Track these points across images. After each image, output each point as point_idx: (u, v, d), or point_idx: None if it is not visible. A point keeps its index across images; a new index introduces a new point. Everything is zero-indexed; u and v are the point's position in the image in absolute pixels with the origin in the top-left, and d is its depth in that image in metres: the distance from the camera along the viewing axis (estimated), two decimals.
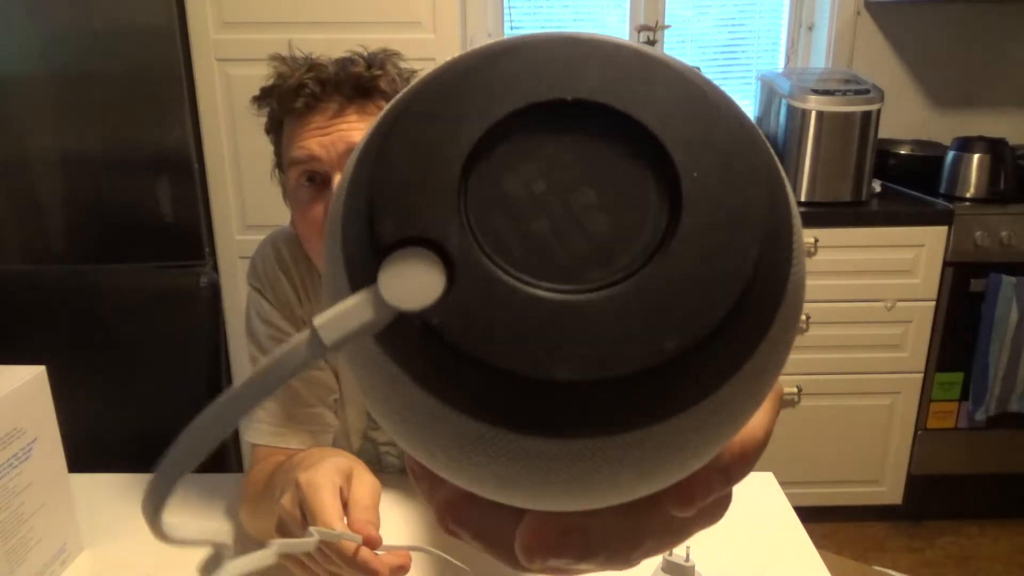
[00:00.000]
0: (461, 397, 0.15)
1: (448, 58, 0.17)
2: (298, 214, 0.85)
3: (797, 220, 0.16)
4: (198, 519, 0.86)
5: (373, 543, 0.57)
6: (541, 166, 0.15)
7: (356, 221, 0.16)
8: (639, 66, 0.16)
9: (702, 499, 0.20)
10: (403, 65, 0.85)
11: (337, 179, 0.78)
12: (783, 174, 0.16)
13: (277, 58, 0.83)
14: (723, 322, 0.14)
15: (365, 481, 0.63)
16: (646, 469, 0.16)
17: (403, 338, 0.15)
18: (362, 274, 0.15)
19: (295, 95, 0.79)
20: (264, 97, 0.84)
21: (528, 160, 0.15)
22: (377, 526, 0.59)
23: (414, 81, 0.17)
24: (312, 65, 0.80)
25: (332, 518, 0.57)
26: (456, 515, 0.21)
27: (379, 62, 0.82)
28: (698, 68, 0.15)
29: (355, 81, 0.80)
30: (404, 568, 0.59)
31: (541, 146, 0.15)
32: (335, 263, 0.16)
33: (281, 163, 0.87)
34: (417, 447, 0.16)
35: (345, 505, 0.60)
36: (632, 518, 0.20)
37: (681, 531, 0.22)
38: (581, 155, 0.15)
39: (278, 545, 0.23)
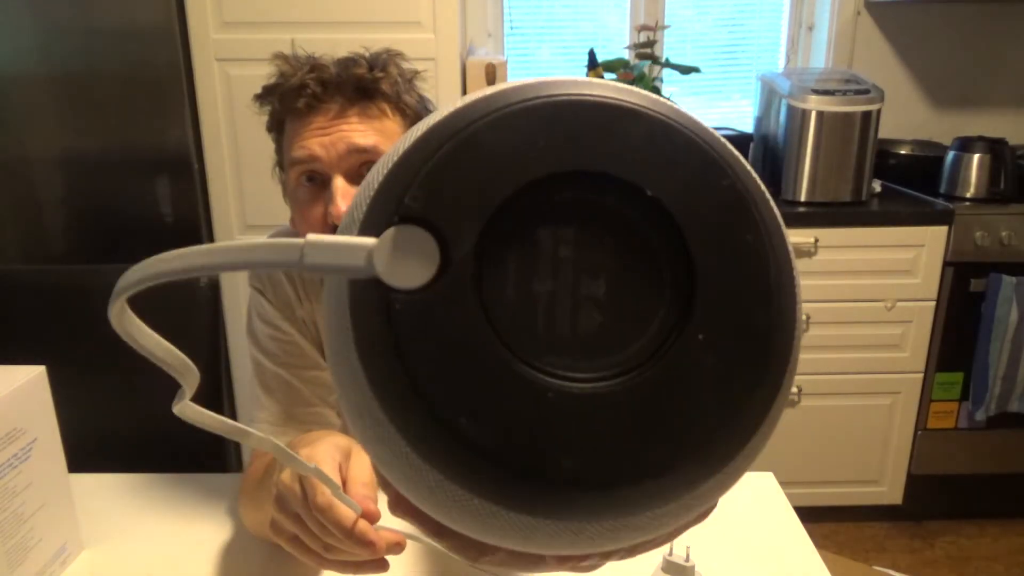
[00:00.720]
0: (437, 455, 0.15)
1: (510, 83, 0.17)
2: (297, 213, 0.85)
3: (799, 313, 0.17)
4: (199, 518, 0.86)
5: (372, 516, 0.57)
6: (576, 234, 0.15)
7: (394, 186, 0.16)
8: (687, 155, 0.16)
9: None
10: (405, 66, 0.85)
11: (337, 180, 0.78)
12: (788, 246, 0.16)
13: (280, 57, 0.83)
14: (708, 438, 0.14)
15: (364, 459, 0.63)
16: (611, 540, 0.16)
17: (366, 311, 0.15)
18: (371, 226, 0.15)
19: (297, 95, 0.79)
20: (266, 96, 0.84)
21: (569, 223, 0.15)
22: (375, 501, 0.59)
23: (487, 96, 0.17)
24: (314, 65, 0.80)
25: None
26: (404, 507, 0.23)
27: (381, 63, 0.82)
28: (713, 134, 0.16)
29: (357, 83, 0.80)
30: (400, 546, 0.59)
31: (583, 213, 0.15)
32: (358, 207, 0.17)
33: (282, 162, 0.87)
34: (397, 483, 0.17)
35: (344, 483, 0.60)
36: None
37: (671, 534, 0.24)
38: (612, 237, 0.15)
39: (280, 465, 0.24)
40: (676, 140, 0.16)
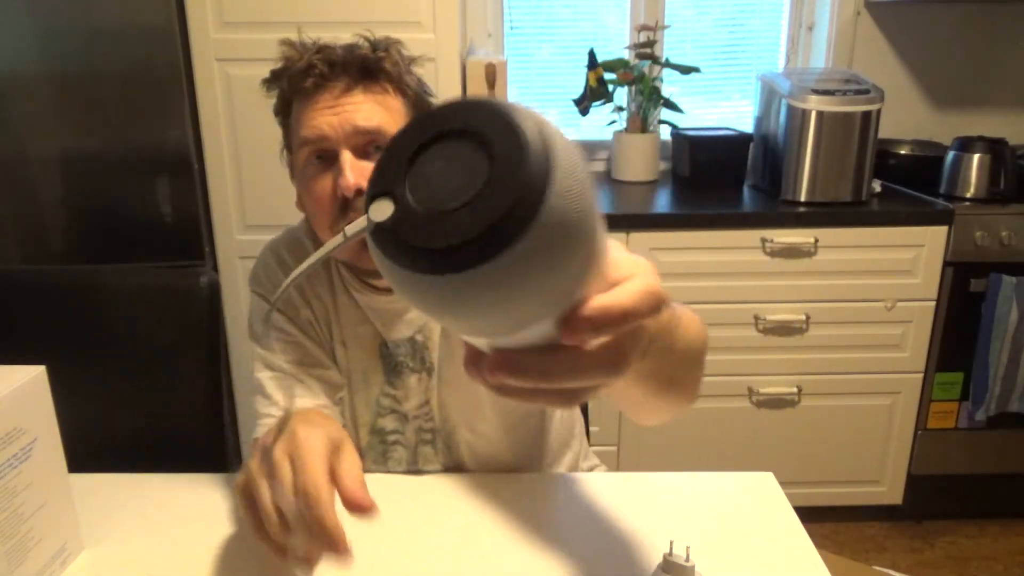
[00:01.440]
0: (401, 260, 0.31)
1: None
2: (306, 190, 0.87)
3: (568, 170, 0.30)
4: (197, 520, 0.86)
5: (364, 506, 0.57)
6: (439, 157, 0.32)
7: (372, 180, 0.34)
8: (488, 110, 0.32)
9: (580, 336, 0.34)
10: (404, 53, 0.89)
11: (345, 154, 0.83)
12: (556, 165, 0.30)
13: (287, 43, 0.87)
14: (500, 220, 0.29)
15: (354, 458, 0.63)
16: (496, 296, 0.30)
17: (379, 235, 0.32)
18: (367, 207, 0.33)
19: (305, 75, 0.83)
20: (274, 79, 0.88)
21: (434, 155, 0.32)
22: (366, 494, 0.59)
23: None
24: (321, 47, 0.85)
25: (318, 475, 0.57)
26: (500, 360, 0.36)
27: (383, 46, 0.87)
28: (521, 106, 0.33)
29: (362, 62, 0.84)
30: (368, 510, 0.58)
31: (440, 149, 0.32)
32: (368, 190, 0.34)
33: (289, 144, 0.91)
34: (403, 293, 0.33)
35: (332, 475, 0.60)
36: (549, 355, 0.35)
37: (585, 371, 0.36)
38: (457, 151, 0.31)
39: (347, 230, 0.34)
40: (488, 111, 0.32)
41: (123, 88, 1.80)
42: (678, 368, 0.58)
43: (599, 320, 0.34)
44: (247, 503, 0.64)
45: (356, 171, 0.82)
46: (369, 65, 0.84)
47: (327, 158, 0.84)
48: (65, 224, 1.90)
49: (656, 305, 0.36)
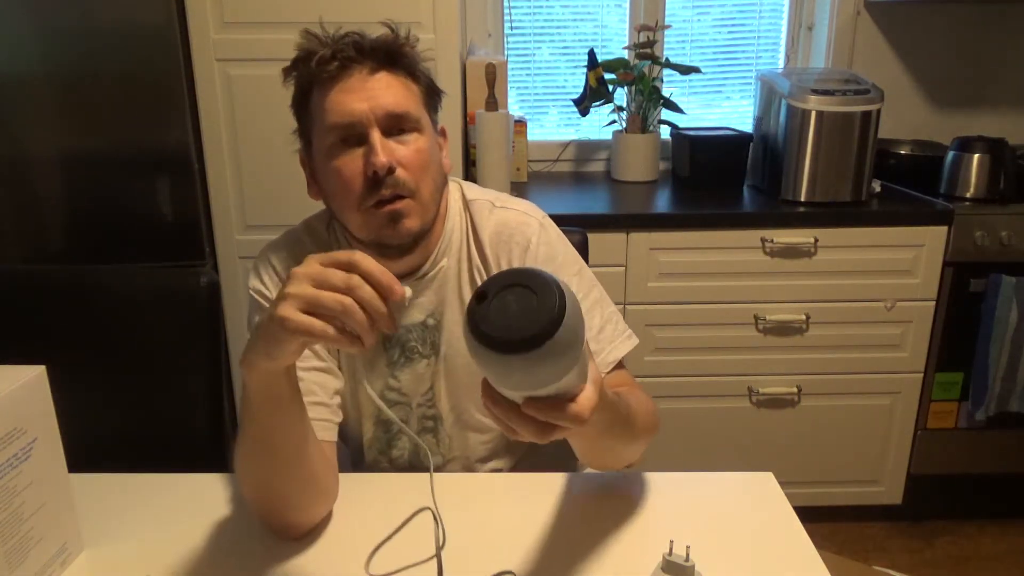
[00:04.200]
0: (488, 342, 0.54)
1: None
2: (334, 172, 0.88)
3: (569, 316, 0.54)
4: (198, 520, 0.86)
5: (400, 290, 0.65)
6: (511, 295, 0.55)
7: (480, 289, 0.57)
8: (535, 274, 0.56)
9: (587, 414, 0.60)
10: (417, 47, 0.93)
11: (375, 134, 0.85)
12: (566, 297, 0.54)
13: (308, 34, 0.90)
14: (541, 331, 0.53)
15: (370, 259, 0.66)
16: (534, 368, 0.54)
17: (474, 327, 0.55)
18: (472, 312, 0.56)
19: (331, 58, 0.86)
20: (296, 66, 0.89)
21: (508, 293, 0.55)
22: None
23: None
24: (347, 34, 0.89)
25: (370, 261, 0.64)
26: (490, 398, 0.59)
27: (407, 33, 0.91)
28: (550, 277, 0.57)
29: (386, 47, 0.88)
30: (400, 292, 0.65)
31: (511, 290, 0.55)
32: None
33: (307, 134, 0.91)
34: (484, 370, 0.57)
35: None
36: (545, 405, 0.59)
37: (553, 421, 0.60)
38: (520, 292, 0.55)
39: None
40: (535, 274, 0.56)
41: (123, 88, 1.80)
42: (617, 430, 0.76)
43: (564, 415, 0.59)
44: (309, 317, 0.64)
45: (387, 150, 0.85)
46: (393, 50, 0.88)
47: (351, 140, 0.86)
48: (65, 224, 1.90)
49: (596, 406, 0.61)
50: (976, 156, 1.98)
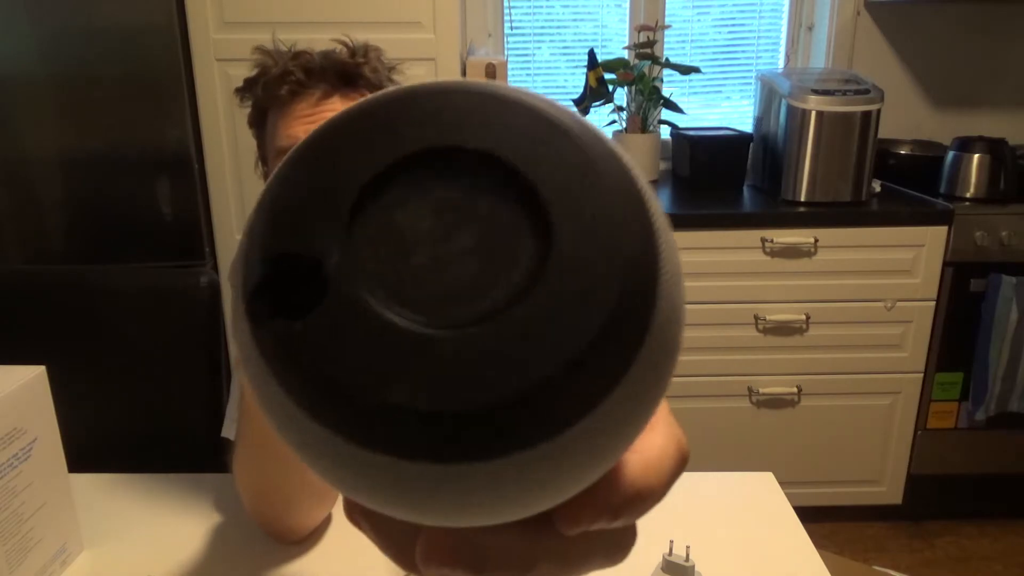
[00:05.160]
0: (318, 408, 0.15)
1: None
2: None
3: (668, 263, 0.17)
4: (198, 520, 0.86)
5: None
6: (431, 206, 0.16)
7: (253, 231, 0.17)
8: (529, 121, 0.17)
9: (586, 525, 0.21)
10: (384, 60, 0.87)
11: None
12: (655, 222, 0.17)
13: (261, 50, 0.84)
14: (582, 355, 0.15)
15: None
16: (508, 496, 0.16)
17: (275, 346, 0.16)
18: (249, 279, 0.16)
19: (280, 82, 0.80)
20: (248, 88, 0.85)
21: (420, 200, 0.16)
22: None
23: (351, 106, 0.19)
24: (297, 54, 0.82)
25: None
26: (362, 506, 0.21)
27: (362, 51, 0.84)
28: (576, 112, 0.19)
29: (339, 69, 0.81)
30: None
31: (433, 188, 0.16)
32: (234, 271, 0.18)
33: (264, 155, 0.88)
34: (299, 453, 0.17)
35: None
36: (528, 538, 0.21)
37: (580, 561, 0.23)
38: (469, 200, 0.16)
39: None
40: (507, 103, 0.17)
41: (123, 88, 1.80)
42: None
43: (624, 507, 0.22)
44: None
45: None
46: (348, 71, 0.81)
47: None
48: (65, 224, 1.90)
49: (681, 468, 0.25)
50: (976, 156, 1.98)
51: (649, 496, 0.23)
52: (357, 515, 0.23)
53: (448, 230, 0.16)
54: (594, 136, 0.17)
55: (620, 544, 0.24)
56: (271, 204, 0.16)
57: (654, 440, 0.23)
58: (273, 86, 0.81)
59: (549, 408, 0.15)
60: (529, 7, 2.44)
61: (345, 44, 0.84)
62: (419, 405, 0.15)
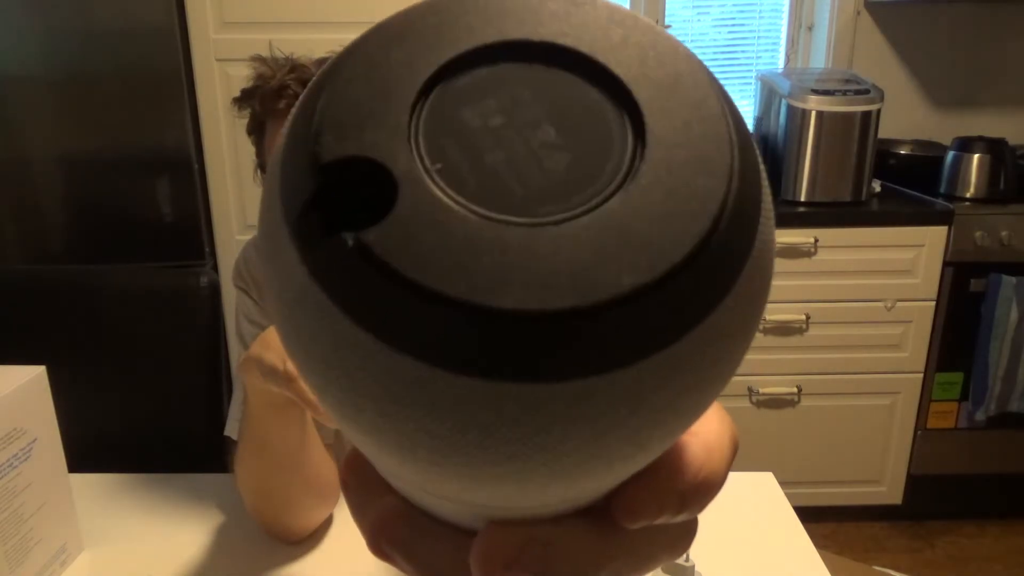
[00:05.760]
0: (394, 328, 0.13)
1: None
2: None
3: (764, 175, 0.16)
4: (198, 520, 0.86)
5: None
6: (502, 102, 0.15)
7: (298, 144, 0.15)
8: (604, 13, 0.15)
9: (651, 516, 0.19)
10: None
11: None
12: (744, 124, 0.16)
13: (257, 59, 0.84)
14: (685, 262, 0.13)
15: None
16: (591, 436, 0.14)
17: (337, 265, 0.14)
18: (296, 195, 0.14)
19: (278, 96, 0.79)
20: (245, 99, 0.84)
21: (489, 95, 0.15)
22: None
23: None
24: (294, 66, 0.81)
25: None
26: (390, 533, 0.19)
27: None
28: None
29: None
30: None
31: (504, 83, 0.15)
32: (271, 194, 0.16)
33: (263, 164, 0.88)
34: (344, 400, 0.15)
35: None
36: (597, 533, 0.19)
37: (647, 558, 0.21)
38: (545, 95, 0.15)
39: None
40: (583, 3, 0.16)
41: (123, 88, 1.80)
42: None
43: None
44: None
45: None
46: None
47: None
48: (65, 224, 1.90)
49: (734, 456, 0.23)
50: (976, 156, 1.98)
51: (715, 483, 0.21)
52: (386, 546, 0.20)
53: (523, 126, 0.14)
54: (681, 45, 0.16)
55: (680, 540, 0.22)
56: (320, 109, 0.15)
57: (711, 424, 0.22)
58: (270, 100, 0.80)
59: (677, 308, 0.14)
60: None
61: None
62: (519, 307, 0.13)
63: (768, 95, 2.14)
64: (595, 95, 0.15)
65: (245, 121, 0.88)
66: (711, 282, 0.14)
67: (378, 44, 0.16)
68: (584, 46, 0.15)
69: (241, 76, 1.88)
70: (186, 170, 1.87)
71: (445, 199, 0.14)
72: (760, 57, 2.51)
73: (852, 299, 1.96)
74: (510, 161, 0.14)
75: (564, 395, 0.13)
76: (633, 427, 0.14)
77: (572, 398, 0.13)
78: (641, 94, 0.15)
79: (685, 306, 0.14)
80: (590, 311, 0.13)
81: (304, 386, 0.64)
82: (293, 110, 0.16)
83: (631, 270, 0.13)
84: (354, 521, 0.21)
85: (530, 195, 0.14)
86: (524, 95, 0.15)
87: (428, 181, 0.14)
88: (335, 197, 0.14)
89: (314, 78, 0.17)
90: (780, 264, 1.94)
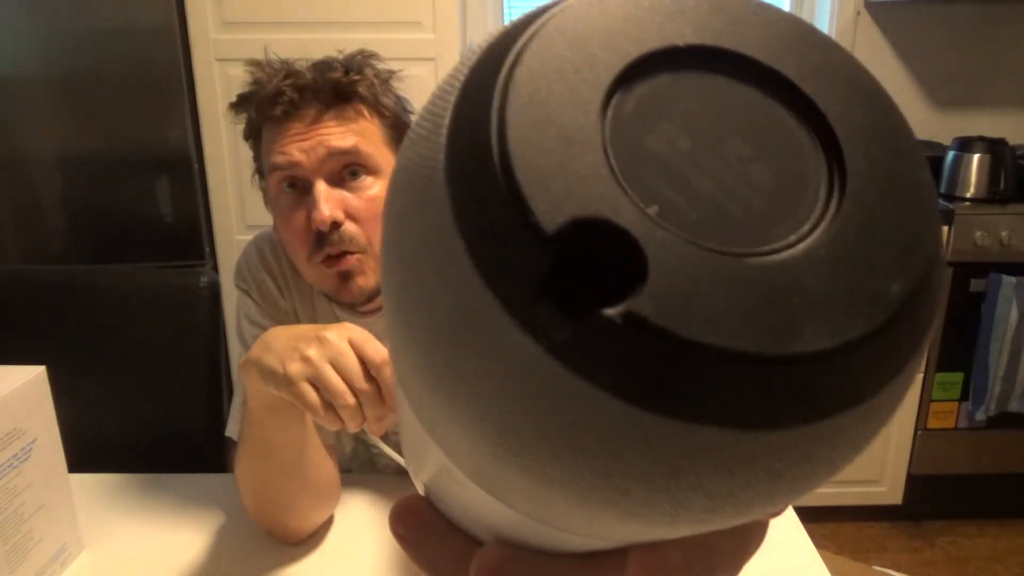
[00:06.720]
0: (688, 397, 0.12)
1: (482, 41, 0.16)
2: (280, 221, 0.85)
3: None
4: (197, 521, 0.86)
5: None
6: (676, 121, 0.13)
7: (491, 207, 0.12)
8: (740, 4, 0.14)
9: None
10: (380, 67, 0.85)
11: (319, 185, 0.78)
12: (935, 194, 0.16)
13: (253, 64, 0.82)
14: (903, 306, 0.13)
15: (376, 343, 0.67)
16: (800, 472, 0.13)
17: (600, 343, 0.12)
18: (516, 273, 0.12)
19: (273, 103, 0.78)
20: (241, 104, 0.83)
21: (662, 117, 0.13)
22: None
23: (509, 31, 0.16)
24: (289, 72, 0.80)
25: (378, 352, 0.64)
26: (509, 572, 0.18)
27: (357, 66, 0.81)
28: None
29: (334, 87, 0.79)
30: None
31: (667, 99, 0.13)
32: (445, 270, 0.13)
33: (261, 169, 0.87)
34: (599, 485, 0.13)
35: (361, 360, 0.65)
36: (742, 534, 0.19)
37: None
38: (713, 105, 0.13)
39: None
40: (802, 28, 0.14)
41: (123, 88, 1.80)
42: None
43: None
44: (310, 388, 0.65)
45: (331, 202, 0.78)
46: (342, 89, 0.79)
47: (300, 187, 0.80)
48: (65, 224, 1.90)
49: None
50: (976, 156, 1.98)
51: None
52: (403, 529, 0.20)
53: (711, 143, 0.13)
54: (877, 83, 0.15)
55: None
56: (511, 168, 0.12)
57: None
58: (266, 106, 0.79)
59: (880, 361, 0.13)
60: (529, 7, 2.44)
61: (338, 60, 0.82)
62: (821, 347, 0.12)
63: None
64: (753, 95, 0.14)
65: (243, 125, 0.88)
66: (916, 329, 0.13)
67: (534, 77, 0.13)
68: (790, 70, 0.14)
69: (241, 76, 1.89)
70: (186, 170, 1.87)
71: (690, 247, 0.12)
72: None
73: None
74: (720, 184, 0.13)
75: (821, 434, 0.13)
76: (801, 476, 0.13)
77: (828, 434, 0.13)
78: (820, 100, 0.14)
79: (901, 346, 0.13)
80: (873, 336, 0.12)
81: (304, 388, 0.64)
82: (444, 163, 0.13)
83: (895, 278, 0.13)
84: (424, 573, 0.20)
85: (757, 218, 0.13)
86: (693, 109, 0.13)
87: (662, 231, 0.12)
88: (568, 268, 0.12)
89: (451, 122, 0.14)
90: None
